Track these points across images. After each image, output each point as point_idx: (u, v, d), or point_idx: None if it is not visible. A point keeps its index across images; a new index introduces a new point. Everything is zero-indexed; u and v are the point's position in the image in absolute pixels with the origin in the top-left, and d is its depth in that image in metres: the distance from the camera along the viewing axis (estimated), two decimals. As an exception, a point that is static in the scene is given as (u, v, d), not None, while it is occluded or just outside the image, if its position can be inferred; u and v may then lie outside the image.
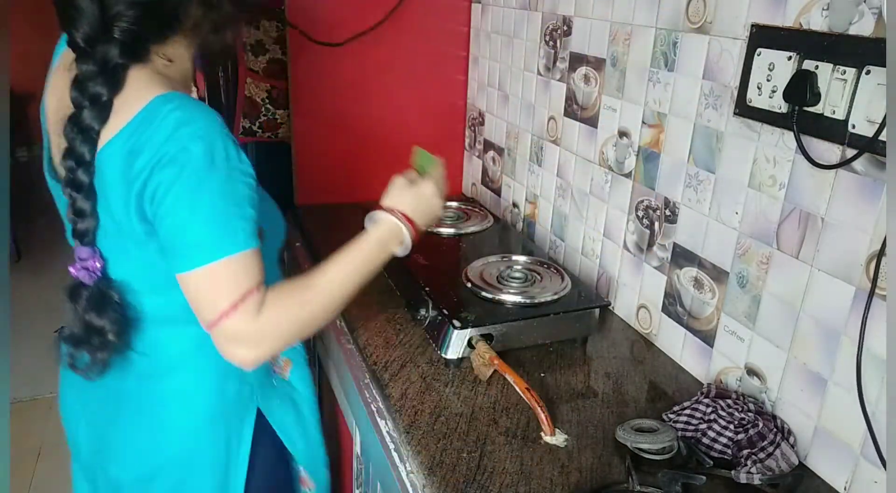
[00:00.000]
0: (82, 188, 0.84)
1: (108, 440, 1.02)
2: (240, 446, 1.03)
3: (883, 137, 0.76)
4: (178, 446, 1.00)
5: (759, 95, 0.95)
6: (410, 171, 1.06)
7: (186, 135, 0.80)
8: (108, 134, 0.82)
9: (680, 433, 0.94)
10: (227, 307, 0.81)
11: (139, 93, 0.83)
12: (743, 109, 0.99)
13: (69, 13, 0.81)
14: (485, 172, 1.93)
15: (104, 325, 0.89)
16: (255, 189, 0.87)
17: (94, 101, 0.82)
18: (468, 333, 1.12)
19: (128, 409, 1.00)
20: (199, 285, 0.83)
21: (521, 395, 1.00)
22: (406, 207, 0.99)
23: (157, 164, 0.79)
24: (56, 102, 0.90)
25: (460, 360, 1.14)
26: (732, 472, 0.87)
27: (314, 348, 1.58)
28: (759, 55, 0.94)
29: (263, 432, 1.05)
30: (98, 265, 0.90)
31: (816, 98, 0.85)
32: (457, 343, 1.12)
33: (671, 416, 0.99)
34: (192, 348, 0.96)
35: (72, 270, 0.92)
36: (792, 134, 0.89)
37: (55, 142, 0.90)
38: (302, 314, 0.88)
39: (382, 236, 0.97)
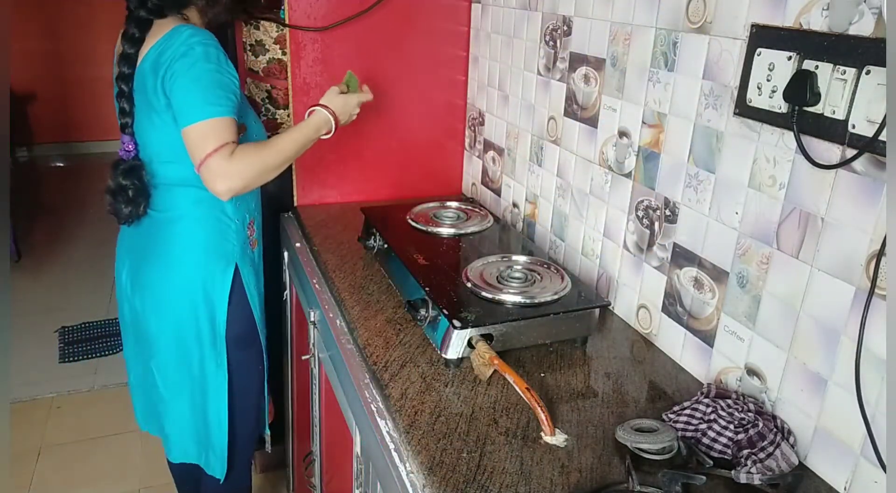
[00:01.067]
0: (123, 95, 1.36)
1: (139, 274, 1.48)
2: (224, 284, 1.46)
3: (883, 137, 0.76)
4: (181, 278, 1.44)
5: (759, 95, 0.95)
6: (342, 85, 1.52)
7: (194, 41, 1.26)
8: (144, 50, 1.30)
9: (680, 433, 0.94)
10: (210, 150, 1.22)
11: (165, 27, 1.30)
12: (743, 109, 0.99)
13: None
14: (485, 172, 1.93)
15: (128, 184, 1.37)
16: (239, 89, 1.32)
17: (129, 39, 1.32)
18: (468, 333, 1.12)
19: (152, 248, 1.45)
20: (194, 136, 1.24)
21: (521, 395, 1.00)
22: (336, 107, 1.45)
23: (174, 57, 1.25)
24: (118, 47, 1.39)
25: (460, 360, 1.14)
26: (732, 472, 0.87)
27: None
28: (759, 55, 0.94)
29: (237, 285, 1.48)
30: (132, 147, 1.39)
31: (816, 98, 0.85)
32: (457, 343, 1.12)
33: (671, 416, 0.99)
34: (194, 202, 1.41)
35: (119, 152, 1.40)
36: (792, 134, 0.89)
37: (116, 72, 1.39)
38: (259, 164, 1.29)
39: (318, 124, 1.42)
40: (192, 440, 1.57)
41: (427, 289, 1.23)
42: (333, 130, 1.45)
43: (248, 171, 1.27)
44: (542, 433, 0.96)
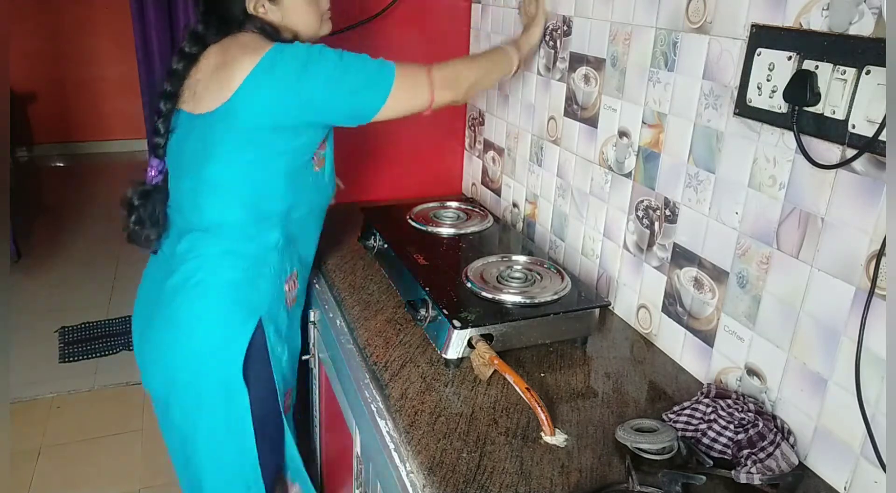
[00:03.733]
0: (162, 115, 1.22)
1: (147, 329, 1.29)
2: (239, 342, 1.23)
3: (883, 137, 0.76)
4: (191, 342, 1.23)
5: (759, 95, 0.95)
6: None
7: (301, 50, 1.15)
8: (237, 76, 1.13)
9: (680, 433, 0.94)
10: (426, 80, 1.22)
11: (252, 47, 1.15)
12: (743, 109, 0.99)
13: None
14: (485, 172, 1.93)
15: (144, 209, 1.25)
16: None
17: (186, 57, 1.21)
18: (468, 333, 1.12)
19: (165, 305, 1.24)
20: (400, 95, 1.19)
21: (521, 395, 1.00)
22: (524, 53, 1.44)
23: (298, 73, 1.13)
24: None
25: (460, 360, 1.14)
26: (732, 472, 0.87)
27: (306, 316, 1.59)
28: (759, 55, 0.94)
29: (256, 347, 1.25)
30: (156, 174, 1.27)
31: (816, 98, 0.85)
32: (457, 343, 1.12)
33: (671, 416, 0.99)
34: (222, 252, 1.23)
35: (146, 172, 1.29)
36: (792, 134, 0.89)
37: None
38: (471, 66, 1.32)
39: (511, 58, 1.39)
40: None
41: (427, 289, 1.23)
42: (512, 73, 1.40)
43: (467, 66, 1.30)
44: (542, 433, 0.96)
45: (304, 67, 1.13)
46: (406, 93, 1.20)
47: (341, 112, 1.20)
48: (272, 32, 1.22)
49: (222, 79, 1.14)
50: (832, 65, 0.83)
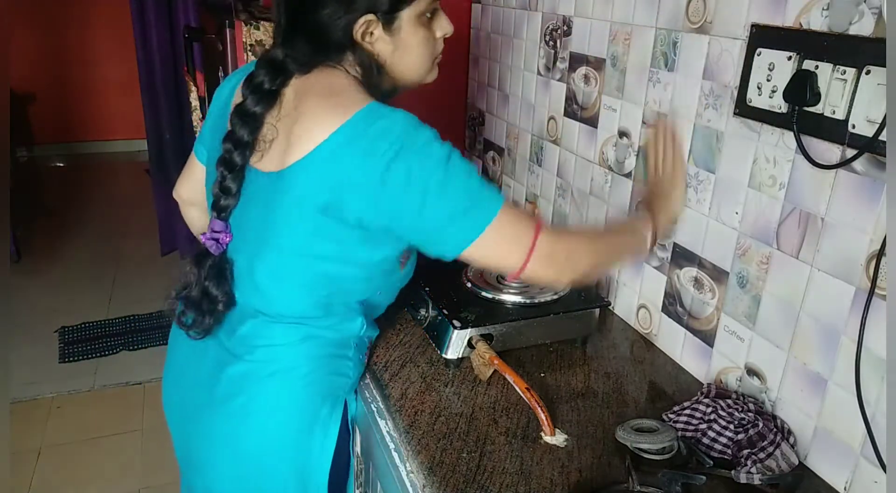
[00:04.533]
0: (234, 168, 0.93)
1: (202, 427, 1.04)
2: (328, 435, 1.03)
3: (883, 137, 0.76)
4: (267, 442, 1.01)
5: (759, 95, 0.95)
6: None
7: (418, 135, 0.88)
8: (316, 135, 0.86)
9: (680, 433, 0.94)
10: (531, 238, 0.87)
11: (342, 98, 0.89)
12: (743, 108, 0.99)
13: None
14: (485, 172, 1.93)
15: (218, 294, 0.98)
16: None
17: (263, 94, 0.91)
18: (468, 333, 1.12)
19: (227, 402, 1.00)
20: (494, 239, 0.87)
21: (521, 395, 1.00)
22: (661, 227, 1.06)
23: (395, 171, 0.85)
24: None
25: (460, 360, 1.14)
26: (732, 472, 0.87)
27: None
28: (759, 55, 0.94)
29: (343, 428, 1.06)
30: (227, 239, 0.98)
31: (816, 98, 0.85)
32: (457, 343, 1.12)
33: (671, 416, 0.99)
34: (299, 340, 1.00)
35: (202, 238, 1.00)
36: (792, 134, 0.89)
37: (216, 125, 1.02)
38: (592, 244, 0.97)
39: (645, 237, 1.02)
40: None
41: (427, 289, 1.23)
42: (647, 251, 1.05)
43: (586, 243, 0.96)
44: (542, 433, 0.96)
45: (399, 150, 0.84)
46: (499, 241, 0.88)
47: (423, 232, 0.89)
48: (372, 73, 0.95)
49: (290, 135, 0.89)
50: (832, 65, 0.83)
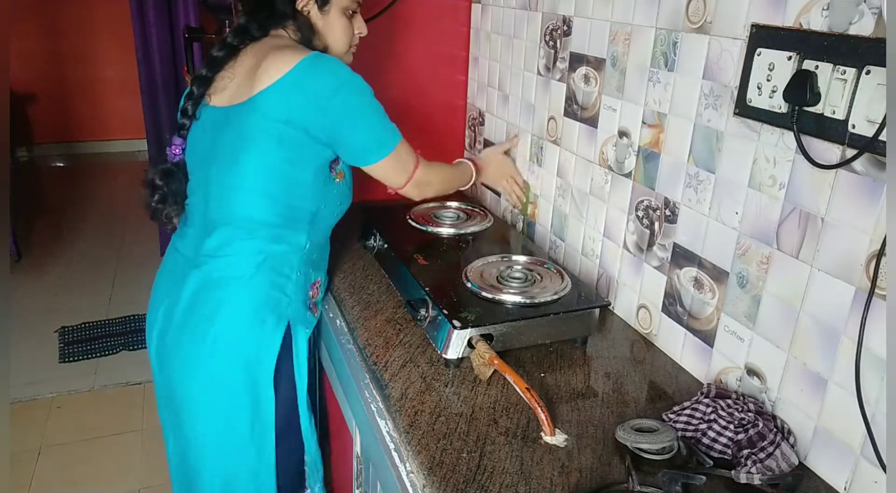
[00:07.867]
0: (192, 97, 1.27)
1: (172, 333, 1.27)
2: (271, 345, 1.27)
3: (883, 137, 0.76)
4: (222, 346, 1.24)
5: (759, 95, 0.95)
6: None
7: (343, 74, 1.19)
8: (267, 76, 1.16)
9: (680, 433, 0.94)
10: (412, 168, 1.30)
11: (286, 51, 1.18)
12: (743, 109, 0.99)
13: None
14: (485, 172, 1.93)
15: (163, 185, 1.29)
16: None
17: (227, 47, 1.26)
18: (468, 333, 1.12)
19: (194, 309, 1.25)
20: (391, 164, 1.26)
21: (521, 395, 1.00)
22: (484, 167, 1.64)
23: (329, 94, 1.17)
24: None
25: (460, 360, 1.14)
26: (732, 472, 0.87)
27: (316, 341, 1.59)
28: (759, 55, 0.94)
29: (285, 352, 1.29)
30: (179, 152, 1.30)
31: (816, 98, 0.85)
32: (457, 343, 1.12)
33: (671, 416, 0.99)
34: (256, 264, 1.25)
35: (168, 149, 1.32)
36: (792, 134, 0.89)
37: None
38: (446, 174, 1.45)
39: (472, 177, 1.56)
40: None
41: (427, 289, 1.23)
42: (470, 183, 1.55)
43: (441, 175, 1.40)
44: (542, 433, 0.96)
45: (339, 86, 1.16)
46: (392, 166, 1.27)
47: (351, 146, 1.23)
48: (310, 36, 1.28)
49: (254, 77, 1.17)
50: (832, 65, 0.83)
